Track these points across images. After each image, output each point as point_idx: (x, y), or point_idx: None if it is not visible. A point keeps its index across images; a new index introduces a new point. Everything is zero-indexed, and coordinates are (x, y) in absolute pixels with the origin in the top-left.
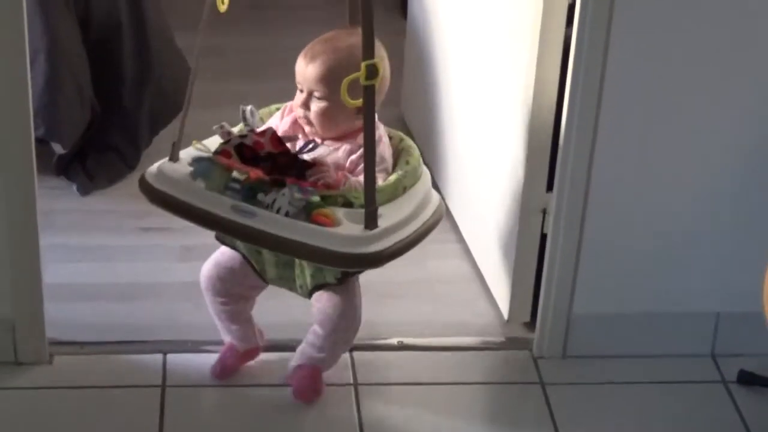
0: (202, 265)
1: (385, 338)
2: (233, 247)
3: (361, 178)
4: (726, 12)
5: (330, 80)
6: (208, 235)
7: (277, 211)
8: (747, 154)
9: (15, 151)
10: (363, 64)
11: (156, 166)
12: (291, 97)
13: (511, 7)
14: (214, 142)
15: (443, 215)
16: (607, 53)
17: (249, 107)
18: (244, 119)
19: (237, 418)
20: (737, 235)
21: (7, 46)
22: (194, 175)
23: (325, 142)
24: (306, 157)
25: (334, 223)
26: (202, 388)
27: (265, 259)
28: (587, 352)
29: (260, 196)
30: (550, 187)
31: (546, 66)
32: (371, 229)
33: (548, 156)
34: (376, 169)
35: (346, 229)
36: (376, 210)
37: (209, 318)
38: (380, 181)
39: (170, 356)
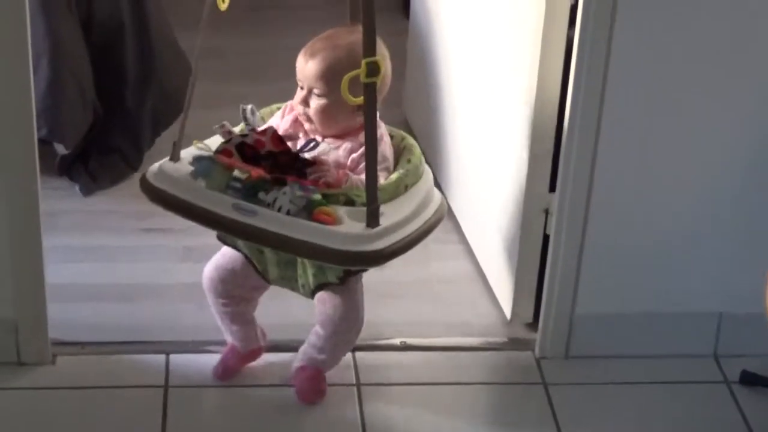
0: (204, 265)
1: (388, 338)
2: (235, 247)
3: (363, 176)
4: (728, 13)
5: (329, 77)
6: (210, 236)
7: (279, 210)
8: (749, 154)
9: (18, 151)
10: (364, 62)
11: (157, 166)
12: (291, 98)
13: (513, 7)
14: (215, 141)
15: (445, 214)
16: (610, 54)
17: (249, 106)
18: (245, 118)
19: (239, 418)
20: (740, 236)
21: (9, 48)
22: (195, 175)
23: (326, 140)
24: (307, 155)
25: (336, 221)
26: (204, 389)
27: (267, 258)
28: (590, 353)
29: (261, 195)
30: (552, 188)
31: (548, 67)
32: (373, 227)
33: (551, 157)
34: (378, 167)
35: (347, 227)
36: (378, 208)
37: (211, 318)
38: (382, 180)
39: (173, 357)
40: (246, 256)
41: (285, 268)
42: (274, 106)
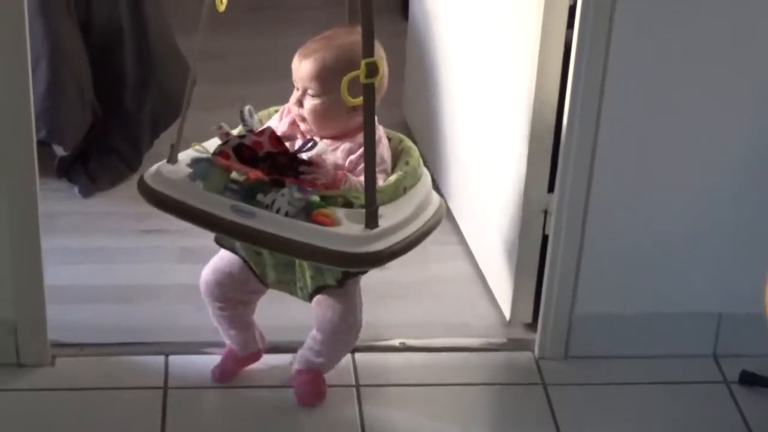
0: (203, 267)
1: (387, 339)
2: (232, 250)
3: (362, 178)
4: (728, 12)
5: (322, 78)
6: (209, 237)
7: (277, 211)
8: (749, 154)
9: (17, 153)
10: (363, 62)
11: (154, 168)
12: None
13: (512, 8)
14: (213, 144)
15: (443, 216)
16: (608, 54)
17: (247, 107)
18: (243, 120)
19: (239, 419)
20: (739, 236)
21: (8, 49)
22: (193, 177)
23: (323, 142)
24: (305, 156)
25: (335, 222)
26: (204, 390)
27: (265, 261)
28: (589, 353)
29: (259, 197)
30: (551, 188)
31: (547, 67)
32: (372, 228)
33: (549, 157)
34: (376, 169)
35: (346, 228)
36: (377, 209)
37: (210, 319)
38: (380, 182)
39: (172, 358)
40: (244, 260)
41: (283, 271)
42: (272, 109)
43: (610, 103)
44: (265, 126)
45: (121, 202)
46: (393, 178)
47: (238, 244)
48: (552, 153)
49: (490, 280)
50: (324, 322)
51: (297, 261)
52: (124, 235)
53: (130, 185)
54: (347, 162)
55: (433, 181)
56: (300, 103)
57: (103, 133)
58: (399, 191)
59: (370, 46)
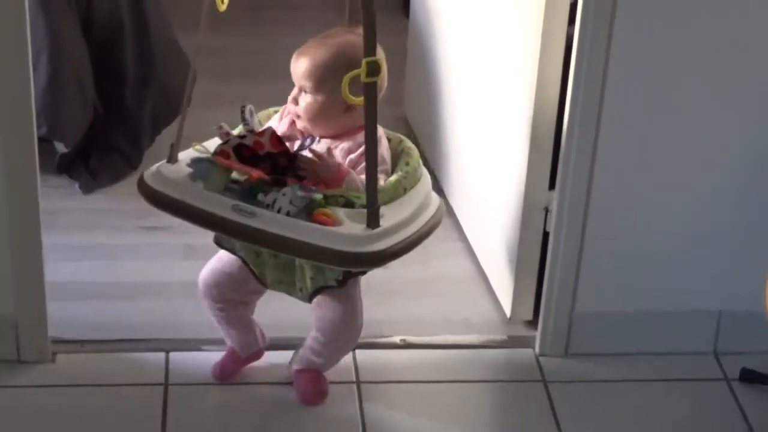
0: (205, 264)
1: (388, 336)
2: (232, 251)
3: (362, 176)
4: (729, 10)
5: (317, 75)
6: (211, 234)
7: (278, 211)
8: (749, 152)
9: (18, 150)
10: (364, 61)
11: (154, 168)
12: None
13: (513, 5)
14: (213, 143)
15: (443, 217)
16: (609, 52)
17: (248, 107)
18: (243, 119)
19: (240, 416)
20: (739, 234)
21: (9, 46)
22: (193, 177)
23: (323, 141)
24: (306, 152)
25: (336, 222)
26: (204, 387)
27: (265, 262)
28: (589, 350)
29: (260, 197)
30: (552, 186)
31: (548, 64)
32: (373, 228)
33: (550, 154)
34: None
35: (347, 228)
36: (378, 209)
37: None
38: (380, 183)
39: (173, 354)
40: (243, 260)
41: (283, 271)
42: (272, 110)
43: (611, 101)
44: (265, 126)
45: (121, 199)
46: (393, 178)
47: (237, 245)
48: (553, 150)
49: (491, 277)
50: (325, 324)
51: (297, 262)
52: (124, 232)
53: (131, 182)
54: (347, 161)
55: (434, 178)
56: (296, 101)
57: (103, 130)
58: (399, 191)
59: (372, 44)
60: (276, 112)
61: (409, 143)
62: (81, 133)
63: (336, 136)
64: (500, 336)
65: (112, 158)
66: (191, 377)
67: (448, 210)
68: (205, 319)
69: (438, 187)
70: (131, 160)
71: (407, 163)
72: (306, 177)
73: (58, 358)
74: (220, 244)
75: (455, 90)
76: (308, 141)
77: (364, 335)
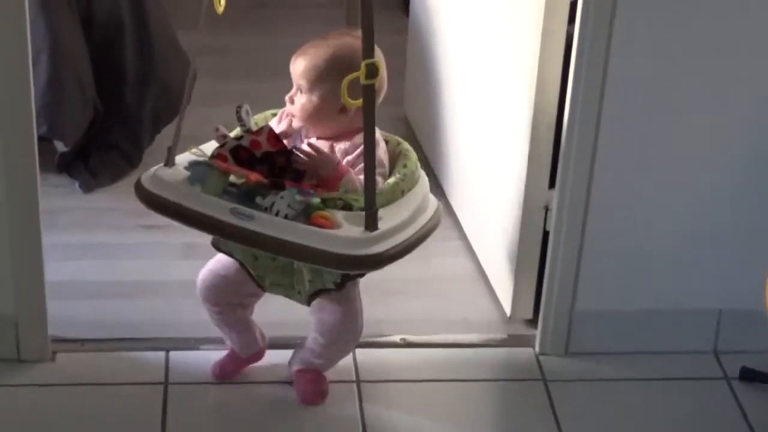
0: (205, 263)
1: (388, 336)
2: (230, 254)
3: (361, 177)
4: (730, 9)
5: (311, 75)
6: None
7: (276, 214)
8: (749, 151)
9: (18, 149)
10: (363, 63)
11: (152, 171)
12: None
13: (514, 4)
14: (210, 147)
15: (441, 219)
16: (609, 50)
17: (244, 107)
18: (240, 119)
19: (239, 415)
20: (740, 232)
21: (9, 45)
22: (191, 180)
23: (320, 141)
24: (304, 146)
25: (334, 225)
26: (204, 386)
27: (263, 264)
28: (589, 349)
29: (258, 200)
30: (552, 184)
31: (548, 63)
32: (371, 230)
33: (550, 153)
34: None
35: (346, 230)
36: (376, 211)
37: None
38: (378, 185)
39: (173, 353)
40: (241, 263)
41: (281, 274)
42: (269, 113)
43: (612, 99)
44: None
45: (122, 197)
46: (391, 180)
47: (235, 248)
48: (553, 149)
49: (491, 276)
50: (324, 327)
51: (295, 264)
52: (125, 230)
53: (131, 181)
54: (344, 163)
55: (434, 177)
56: (292, 101)
57: (103, 128)
58: (397, 194)
59: (371, 46)
60: (273, 115)
61: (406, 145)
62: (81, 132)
63: (333, 138)
64: (500, 335)
65: (112, 157)
66: (191, 376)
67: (448, 209)
68: (205, 318)
69: (438, 186)
70: (131, 159)
71: (405, 166)
72: (304, 171)
73: (58, 357)
74: (217, 247)
75: (455, 89)
76: (302, 131)
77: (365, 334)
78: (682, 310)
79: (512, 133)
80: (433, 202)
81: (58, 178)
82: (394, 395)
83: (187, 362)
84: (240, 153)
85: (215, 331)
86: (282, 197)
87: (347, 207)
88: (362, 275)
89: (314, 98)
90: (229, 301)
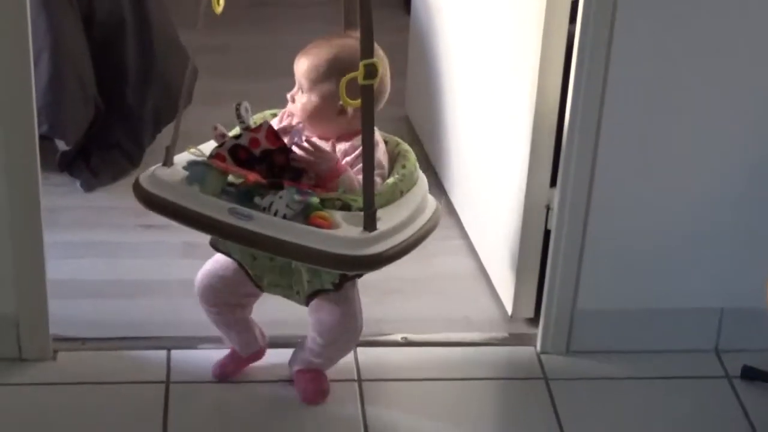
0: (205, 262)
1: (389, 334)
2: (228, 254)
3: (359, 177)
4: (732, 10)
5: (313, 75)
6: None
7: (275, 214)
8: (750, 151)
9: (19, 147)
10: (361, 64)
11: (150, 171)
12: None
13: (515, 3)
14: (209, 146)
15: (440, 220)
16: (611, 50)
17: (243, 104)
18: (239, 116)
19: (241, 414)
20: (741, 231)
21: (10, 44)
22: (189, 181)
23: (321, 141)
24: (305, 144)
25: (333, 225)
26: (205, 385)
27: (261, 264)
28: (591, 348)
29: (257, 200)
30: (553, 183)
31: (549, 62)
32: (370, 231)
33: (552, 152)
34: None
35: (344, 231)
36: (375, 212)
37: None
38: (377, 186)
39: (174, 352)
40: (239, 263)
41: (279, 274)
42: (268, 112)
43: (613, 98)
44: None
45: (123, 196)
46: (390, 181)
47: (233, 248)
48: (554, 148)
49: (492, 275)
50: (323, 327)
51: (294, 265)
52: (126, 229)
53: (132, 180)
54: (343, 163)
55: (436, 176)
56: (294, 99)
57: (104, 127)
58: (395, 195)
59: (369, 46)
60: (273, 115)
61: (405, 146)
62: (82, 130)
63: (333, 139)
64: (501, 334)
65: (114, 156)
66: (192, 375)
67: (449, 208)
68: (206, 316)
69: (439, 185)
70: (132, 158)
71: (404, 166)
72: (303, 170)
73: (60, 356)
74: (215, 247)
75: (457, 88)
76: (302, 128)
77: (366, 333)
78: (684, 308)
79: (513, 132)
80: (431, 202)
81: (60, 177)
82: (396, 394)
83: (188, 361)
84: (239, 153)
85: (216, 330)
86: (280, 197)
87: (346, 207)
88: (360, 276)
89: (314, 98)
90: (227, 301)
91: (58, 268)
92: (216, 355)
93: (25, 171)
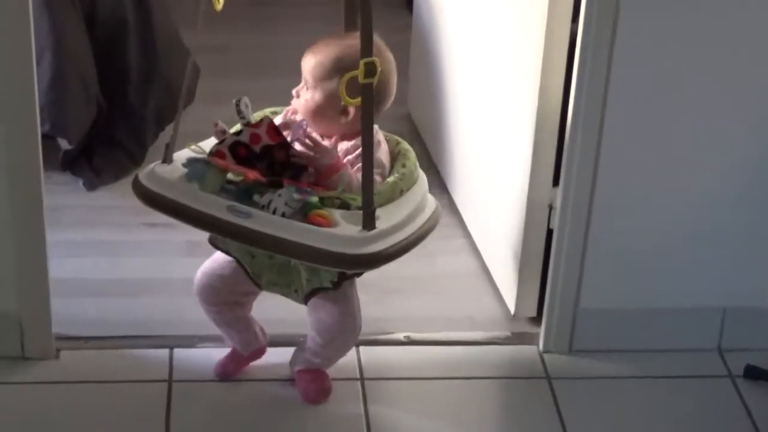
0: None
1: (392, 333)
2: (227, 251)
3: (359, 175)
4: (734, 9)
5: (317, 72)
6: None
7: (273, 212)
8: (753, 151)
9: (21, 147)
10: (362, 62)
11: (149, 168)
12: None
13: (517, 2)
14: (210, 143)
15: (439, 219)
16: (613, 48)
17: (243, 99)
18: (239, 111)
19: (243, 412)
20: (744, 231)
21: (13, 43)
22: (189, 178)
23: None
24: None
25: (332, 223)
26: (208, 383)
27: (260, 263)
28: (593, 347)
29: (256, 197)
30: (556, 182)
31: (552, 61)
32: (369, 229)
33: (554, 151)
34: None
35: (343, 229)
36: (374, 211)
37: None
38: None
39: (176, 351)
40: (238, 261)
41: (278, 273)
42: (268, 111)
43: (615, 97)
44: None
45: (125, 195)
46: (390, 180)
47: (232, 246)
48: (557, 147)
49: (495, 274)
50: (322, 326)
51: (292, 263)
52: (128, 228)
53: None
54: (344, 161)
55: (438, 175)
56: (299, 95)
57: (107, 126)
58: (395, 194)
59: (369, 45)
60: (273, 113)
61: (405, 145)
62: (84, 130)
63: (335, 138)
64: (504, 333)
65: (116, 155)
66: (195, 374)
67: (452, 207)
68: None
69: (442, 184)
70: (135, 157)
71: (404, 165)
72: (303, 167)
73: (62, 355)
74: (215, 244)
75: (459, 87)
76: (303, 123)
77: (367, 333)
78: (686, 308)
79: (516, 131)
80: (431, 201)
81: (62, 176)
82: (398, 393)
83: (190, 359)
84: (238, 150)
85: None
86: (280, 195)
87: (345, 206)
88: (359, 274)
89: (318, 95)
90: (226, 300)
91: (60, 267)
92: (218, 353)
93: (28, 170)
